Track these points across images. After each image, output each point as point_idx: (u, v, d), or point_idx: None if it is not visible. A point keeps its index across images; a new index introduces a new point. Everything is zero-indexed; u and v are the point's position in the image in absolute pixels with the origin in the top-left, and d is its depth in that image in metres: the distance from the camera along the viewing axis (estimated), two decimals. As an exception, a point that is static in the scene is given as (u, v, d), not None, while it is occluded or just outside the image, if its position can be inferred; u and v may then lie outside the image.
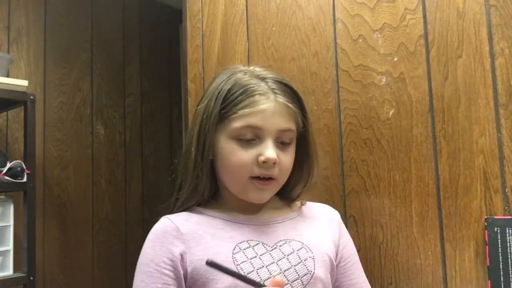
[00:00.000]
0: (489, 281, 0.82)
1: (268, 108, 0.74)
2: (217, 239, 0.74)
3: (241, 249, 0.73)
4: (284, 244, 0.76)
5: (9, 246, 1.65)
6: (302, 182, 0.84)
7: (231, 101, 0.74)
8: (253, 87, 0.75)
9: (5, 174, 1.63)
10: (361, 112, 0.99)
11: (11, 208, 1.67)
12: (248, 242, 0.75)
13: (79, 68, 2.33)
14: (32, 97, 1.72)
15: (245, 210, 0.80)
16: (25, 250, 1.65)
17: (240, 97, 0.74)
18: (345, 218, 1.00)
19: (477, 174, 0.84)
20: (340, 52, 1.03)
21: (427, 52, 0.91)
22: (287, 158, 0.77)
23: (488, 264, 0.82)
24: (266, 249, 0.75)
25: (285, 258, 0.75)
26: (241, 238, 0.75)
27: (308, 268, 0.75)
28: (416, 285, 0.90)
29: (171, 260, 0.72)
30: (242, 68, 0.81)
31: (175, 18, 2.66)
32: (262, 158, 0.73)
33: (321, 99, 1.05)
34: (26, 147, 1.71)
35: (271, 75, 0.78)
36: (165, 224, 0.77)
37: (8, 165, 1.65)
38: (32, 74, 2.11)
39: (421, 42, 0.92)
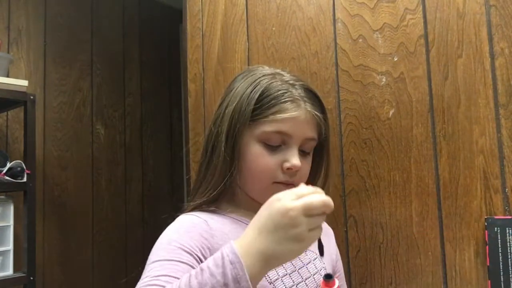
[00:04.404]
0: (489, 281, 0.82)
1: (299, 116, 0.74)
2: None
3: None
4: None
5: (9, 246, 1.65)
6: None
7: (263, 104, 0.74)
8: (285, 92, 0.75)
9: (5, 174, 1.63)
10: (361, 112, 0.99)
11: (11, 208, 1.67)
12: None
13: (79, 68, 2.33)
14: (32, 97, 1.72)
15: (253, 214, 0.79)
16: (25, 250, 1.65)
17: (272, 102, 0.74)
18: (345, 218, 1.00)
19: (477, 174, 0.84)
20: (340, 52, 1.03)
21: (427, 52, 0.91)
22: (306, 166, 0.78)
23: (488, 264, 0.82)
24: None
25: (305, 267, 0.77)
26: None
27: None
28: (416, 285, 0.90)
29: (198, 247, 0.66)
30: (268, 71, 0.80)
31: (175, 18, 2.66)
32: (287, 165, 0.73)
33: (321, 99, 1.05)
34: (26, 147, 1.71)
35: (299, 82, 0.79)
36: (191, 218, 0.73)
37: (8, 165, 1.65)
38: (32, 74, 2.11)
39: (421, 42, 0.92)
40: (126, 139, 2.56)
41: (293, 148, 0.74)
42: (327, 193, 0.82)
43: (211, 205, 0.77)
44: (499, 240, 0.81)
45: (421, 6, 0.92)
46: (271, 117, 0.73)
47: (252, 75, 0.78)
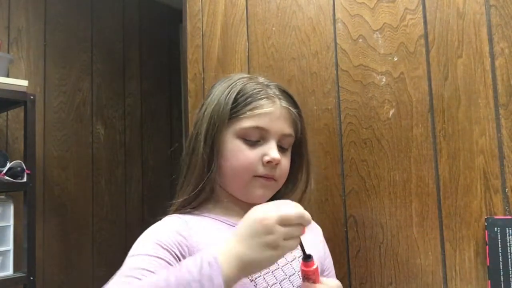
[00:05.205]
0: (489, 281, 0.82)
1: (274, 111, 0.78)
2: (219, 239, 0.74)
3: None
4: None
5: (9, 246, 1.65)
6: (293, 191, 0.87)
7: (240, 102, 0.78)
8: (260, 90, 0.79)
9: (5, 174, 1.63)
10: (361, 112, 0.99)
11: (11, 208, 1.67)
12: None
13: (79, 68, 2.33)
14: (32, 97, 1.72)
15: (242, 215, 0.81)
16: (25, 250, 1.65)
17: (249, 99, 0.78)
18: (345, 218, 1.00)
19: (477, 174, 0.84)
20: (340, 52, 1.03)
21: (427, 52, 0.91)
22: (286, 162, 0.81)
23: (488, 264, 0.82)
24: None
25: (288, 264, 0.78)
26: None
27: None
28: (416, 285, 0.90)
29: (175, 245, 0.69)
30: (244, 75, 0.84)
31: (175, 18, 2.66)
32: (267, 158, 0.76)
33: (321, 99, 1.05)
34: (26, 147, 1.71)
35: (273, 83, 0.83)
36: (172, 218, 0.77)
37: (8, 165, 1.65)
38: (32, 74, 2.11)
39: (421, 42, 0.92)
40: (126, 139, 2.55)
41: (272, 142, 0.78)
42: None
43: (192, 205, 0.79)
44: (499, 240, 0.81)
45: (421, 6, 0.92)
46: (249, 113, 0.77)
47: (228, 80, 0.83)
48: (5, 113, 1.96)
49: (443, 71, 0.89)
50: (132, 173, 2.56)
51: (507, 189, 0.81)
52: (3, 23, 2.02)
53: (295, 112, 0.82)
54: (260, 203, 0.82)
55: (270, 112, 0.78)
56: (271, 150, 0.77)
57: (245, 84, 0.80)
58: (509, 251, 0.81)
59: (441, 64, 0.89)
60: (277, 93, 0.81)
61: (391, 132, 0.95)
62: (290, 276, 0.76)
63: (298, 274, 0.76)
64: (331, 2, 1.04)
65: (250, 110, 0.77)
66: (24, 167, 1.68)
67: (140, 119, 2.65)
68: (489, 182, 0.83)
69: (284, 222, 0.57)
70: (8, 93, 1.66)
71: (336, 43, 1.03)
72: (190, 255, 0.69)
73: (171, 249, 0.67)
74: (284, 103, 0.80)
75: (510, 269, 0.80)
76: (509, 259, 0.80)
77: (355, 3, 1.01)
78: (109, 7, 2.52)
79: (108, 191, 2.42)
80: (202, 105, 0.83)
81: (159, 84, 2.79)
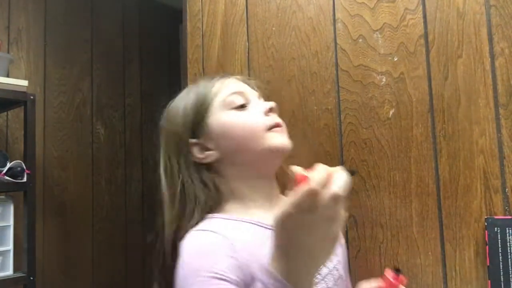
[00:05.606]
0: (489, 281, 0.82)
1: (236, 81, 0.80)
2: (261, 247, 0.64)
3: None
4: None
5: (9, 246, 1.65)
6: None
7: (206, 92, 0.78)
8: (211, 80, 0.81)
9: (5, 174, 1.63)
10: (361, 112, 0.99)
11: (11, 208, 1.67)
12: None
13: (79, 68, 2.33)
14: (32, 97, 1.72)
15: (260, 206, 0.75)
16: (25, 250, 1.65)
17: (209, 85, 0.79)
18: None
19: (477, 174, 0.84)
20: (340, 52, 1.03)
21: (427, 52, 0.91)
22: None
23: (488, 264, 0.82)
24: None
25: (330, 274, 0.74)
26: None
27: (339, 271, 0.77)
28: (416, 285, 0.90)
29: (229, 269, 0.61)
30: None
31: (175, 18, 2.65)
32: (265, 108, 0.76)
33: (321, 99, 1.05)
34: (26, 147, 1.71)
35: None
36: (208, 235, 0.67)
37: (8, 165, 1.65)
38: (32, 74, 2.11)
39: (421, 42, 0.92)
40: (126, 139, 2.55)
41: (256, 100, 0.78)
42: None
43: (216, 210, 0.74)
44: (499, 240, 0.81)
45: (421, 6, 0.92)
46: (218, 88, 0.77)
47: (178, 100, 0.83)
48: (5, 113, 1.96)
49: (443, 71, 0.89)
50: (132, 173, 2.56)
51: (507, 189, 0.81)
52: (3, 23, 2.02)
53: (242, 78, 0.83)
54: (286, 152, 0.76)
55: (233, 82, 0.79)
56: (263, 102, 0.77)
57: (196, 86, 0.81)
58: (509, 251, 0.81)
59: (441, 64, 0.89)
60: (223, 76, 0.82)
61: (391, 132, 0.95)
62: (325, 276, 0.73)
63: (332, 273, 0.74)
64: (331, 2, 1.04)
65: (217, 89, 0.77)
66: (24, 167, 1.68)
67: (140, 119, 2.65)
68: (489, 182, 0.83)
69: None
70: (8, 93, 1.66)
71: (336, 43, 1.03)
72: (243, 275, 0.62)
73: (227, 277, 0.60)
74: (237, 78, 0.82)
75: (510, 269, 0.80)
76: (509, 259, 0.80)
77: (355, 3, 1.01)
78: (109, 7, 2.52)
79: (108, 191, 2.42)
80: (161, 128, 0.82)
81: (159, 84, 2.79)
